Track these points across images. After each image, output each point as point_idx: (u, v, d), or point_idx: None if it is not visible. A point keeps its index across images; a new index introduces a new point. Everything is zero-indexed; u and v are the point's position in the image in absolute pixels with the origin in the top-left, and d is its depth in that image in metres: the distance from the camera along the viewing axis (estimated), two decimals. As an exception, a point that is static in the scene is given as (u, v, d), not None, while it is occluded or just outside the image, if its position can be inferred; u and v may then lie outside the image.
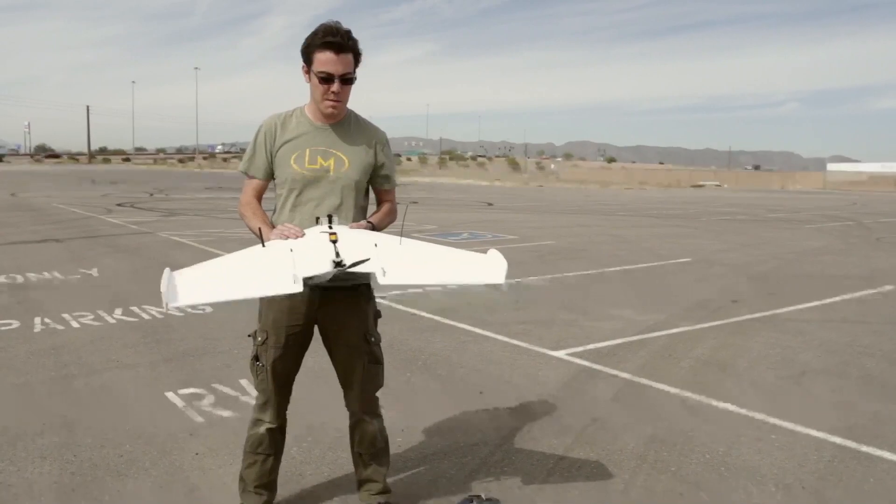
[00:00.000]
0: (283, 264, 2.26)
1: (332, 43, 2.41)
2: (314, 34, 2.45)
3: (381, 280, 2.28)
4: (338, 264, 2.25)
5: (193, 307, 6.44)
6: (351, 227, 2.48)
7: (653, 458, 3.36)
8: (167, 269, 2.19)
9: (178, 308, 2.18)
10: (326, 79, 2.46)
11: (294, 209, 2.57)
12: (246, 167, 2.64)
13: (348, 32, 2.45)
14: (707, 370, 4.80)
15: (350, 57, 2.46)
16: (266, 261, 2.31)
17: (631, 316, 6.42)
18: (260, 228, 2.45)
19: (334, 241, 2.34)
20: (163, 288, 2.12)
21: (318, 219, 2.48)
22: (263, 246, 2.36)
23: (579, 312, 6.57)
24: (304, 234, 2.41)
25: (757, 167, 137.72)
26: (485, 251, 2.53)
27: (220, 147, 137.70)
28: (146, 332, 5.58)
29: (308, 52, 2.47)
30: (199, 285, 2.20)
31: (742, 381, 4.60)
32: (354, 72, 2.50)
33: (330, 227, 2.43)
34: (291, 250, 2.33)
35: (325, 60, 2.43)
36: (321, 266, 2.25)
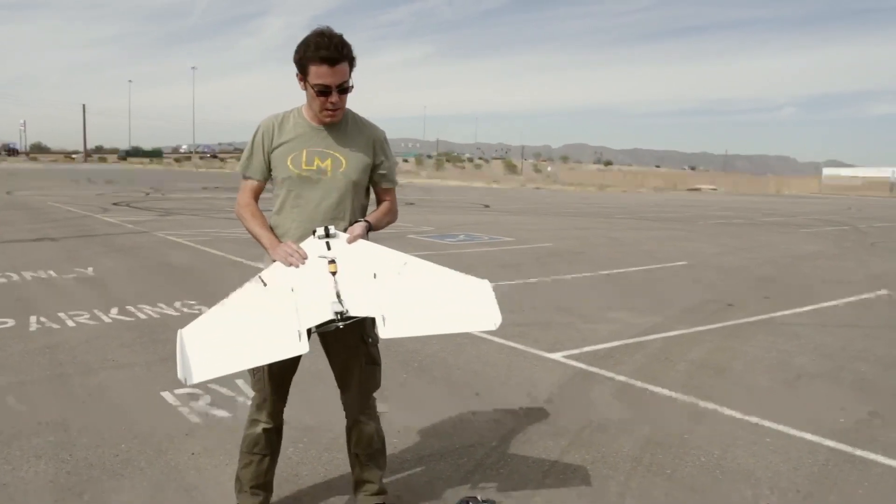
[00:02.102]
0: (287, 318, 2.31)
1: (326, 56, 2.39)
2: (307, 46, 2.42)
3: (382, 333, 2.37)
4: (340, 314, 2.32)
5: (189, 308, 6.44)
6: (349, 238, 2.47)
7: (648, 461, 3.37)
8: (179, 337, 2.27)
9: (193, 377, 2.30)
10: (324, 91, 2.45)
11: (293, 209, 2.57)
12: (244, 168, 2.63)
13: (341, 41, 2.41)
14: (703, 373, 4.81)
15: (345, 66, 2.43)
16: (270, 313, 2.34)
17: (627, 319, 6.43)
18: (261, 276, 2.43)
19: (334, 273, 2.38)
20: (178, 368, 2.23)
21: (314, 231, 2.47)
22: (265, 284, 2.39)
23: (576, 315, 6.58)
24: (306, 258, 2.41)
25: (693, 168, 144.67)
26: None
27: (184, 147, 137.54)
28: (142, 332, 5.58)
29: (302, 64, 2.45)
30: (211, 359, 2.28)
31: (737, 384, 4.61)
32: (350, 79, 2.49)
33: (327, 239, 2.44)
34: (293, 290, 2.36)
35: (321, 74, 2.41)
36: (323, 314, 2.33)
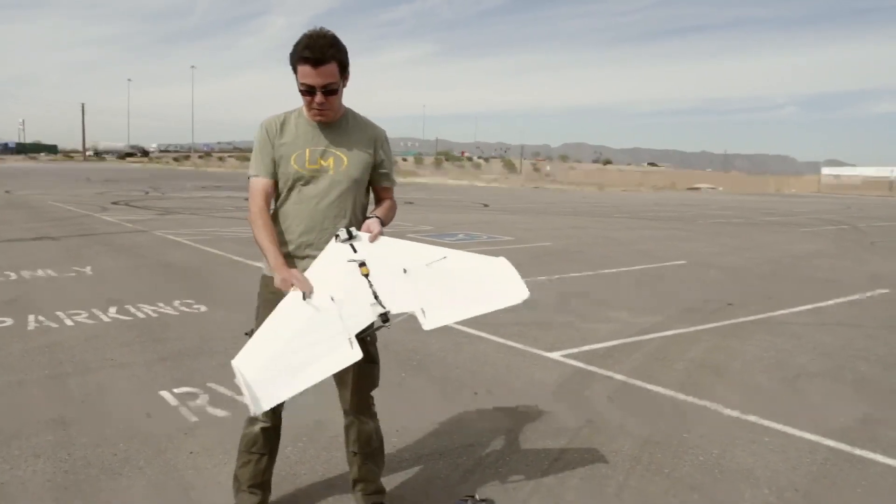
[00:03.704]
0: (335, 328, 2.33)
1: (310, 58, 2.39)
2: (296, 46, 2.42)
3: (424, 325, 2.41)
4: (383, 315, 2.36)
5: (188, 307, 6.44)
6: (371, 236, 2.48)
7: (647, 460, 3.37)
8: (235, 369, 2.27)
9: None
10: (308, 91, 2.46)
11: (294, 206, 2.57)
12: (256, 169, 2.57)
13: (330, 42, 2.40)
14: (701, 372, 4.81)
15: (332, 67, 2.42)
16: (317, 327, 2.34)
17: (626, 318, 6.43)
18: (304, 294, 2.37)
19: (366, 275, 2.40)
20: (248, 403, 2.25)
21: (337, 235, 2.46)
22: (304, 298, 2.36)
23: (574, 314, 6.58)
24: (311, 292, 2.37)
25: (653, 164, 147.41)
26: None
27: (154, 146, 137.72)
28: (141, 331, 5.57)
29: (292, 63, 2.46)
30: (275, 386, 2.30)
31: (736, 383, 4.61)
32: (340, 80, 2.47)
33: (351, 241, 2.44)
34: (333, 299, 2.36)
35: (305, 74, 2.42)
36: (366, 317, 2.37)
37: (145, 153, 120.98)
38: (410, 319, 2.46)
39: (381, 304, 2.38)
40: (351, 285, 2.40)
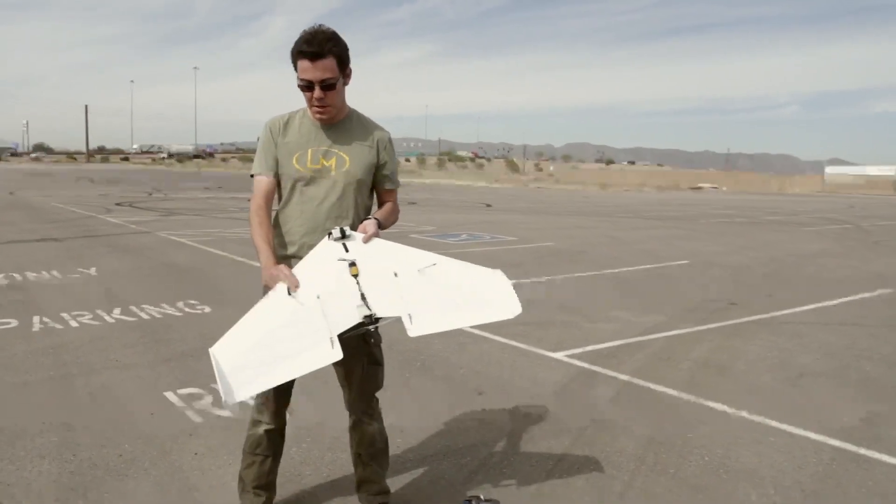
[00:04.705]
0: (318, 326, 2.31)
1: (307, 52, 2.39)
2: (296, 42, 2.43)
3: (410, 331, 2.38)
4: (369, 317, 2.34)
5: (192, 308, 6.45)
6: (365, 237, 2.47)
7: (651, 460, 3.37)
8: (213, 356, 2.26)
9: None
10: (307, 87, 2.45)
11: (296, 207, 2.57)
12: (259, 168, 2.58)
13: (329, 37, 2.41)
14: (705, 372, 4.80)
15: (330, 62, 2.41)
16: (300, 322, 2.33)
17: (629, 318, 6.42)
18: (288, 288, 2.37)
19: (356, 276, 2.38)
20: (221, 392, 2.23)
21: (329, 233, 2.45)
22: (290, 293, 2.35)
23: (578, 314, 6.58)
24: (297, 287, 2.36)
25: (632, 162, 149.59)
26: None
27: (136, 146, 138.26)
28: (145, 332, 5.58)
29: (292, 60, 2.46)
30: (250, 377, 2.29)
31: (740, 383, 4.60)
32: (340, 75, 2.47)
33: (344, 240, 2.43)
34: (318, 297, 2.35)
35: (304, 68, 2.42)
36: (351, 318, 2.35)
37: (211, 155, 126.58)
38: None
39: (367, 305, 2.35)
40: (339, 284, 2.38)
